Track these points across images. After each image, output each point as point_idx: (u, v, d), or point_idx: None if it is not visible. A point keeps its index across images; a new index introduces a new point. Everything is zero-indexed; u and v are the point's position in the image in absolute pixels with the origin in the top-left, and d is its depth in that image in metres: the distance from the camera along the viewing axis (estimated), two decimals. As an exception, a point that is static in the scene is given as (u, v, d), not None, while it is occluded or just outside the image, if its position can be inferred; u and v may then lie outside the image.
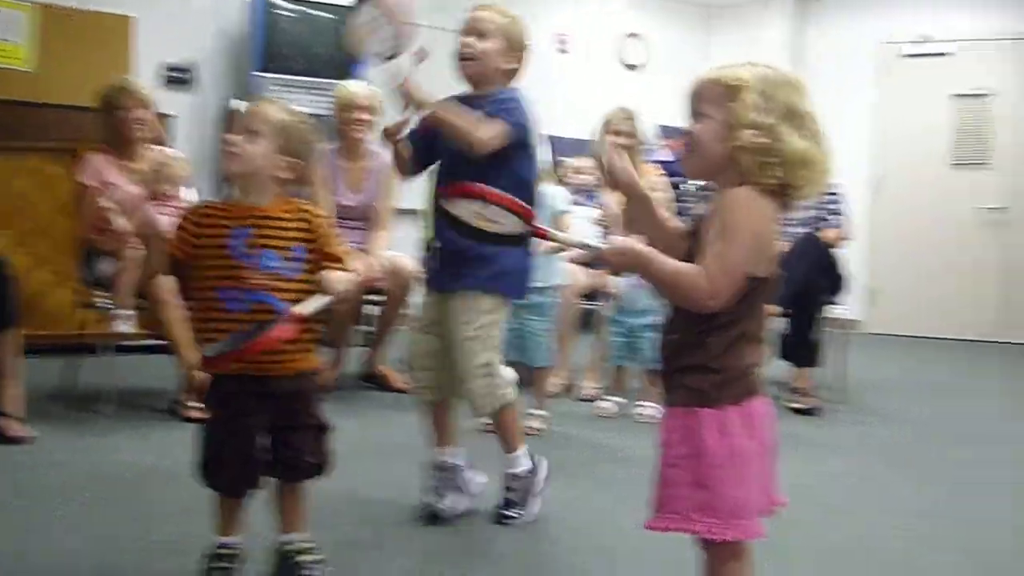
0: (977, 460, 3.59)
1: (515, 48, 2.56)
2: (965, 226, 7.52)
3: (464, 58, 2.53)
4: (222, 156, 2.05)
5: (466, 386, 2.53)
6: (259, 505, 2.10)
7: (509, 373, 2.62)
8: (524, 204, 1.70)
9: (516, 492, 2.61)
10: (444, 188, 1.79)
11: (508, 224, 1.72)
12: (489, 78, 2.55)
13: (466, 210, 1.75)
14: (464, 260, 2.47)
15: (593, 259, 1.62)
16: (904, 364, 6.37)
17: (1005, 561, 2.48)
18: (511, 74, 2.59)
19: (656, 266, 1.57)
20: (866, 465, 3.44)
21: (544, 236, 1.70)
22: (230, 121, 4.42)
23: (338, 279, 1.98)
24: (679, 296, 1.59)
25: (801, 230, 4.70)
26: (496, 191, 1.74)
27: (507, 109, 2.47)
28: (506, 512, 2.59)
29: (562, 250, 3.68)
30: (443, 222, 2.56)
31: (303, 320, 1.94)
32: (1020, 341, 7.23)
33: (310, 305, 1.95)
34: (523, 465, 2.63)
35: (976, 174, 7.50)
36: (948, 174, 7.57)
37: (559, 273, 3.77)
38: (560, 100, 6.95)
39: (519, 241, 1.72)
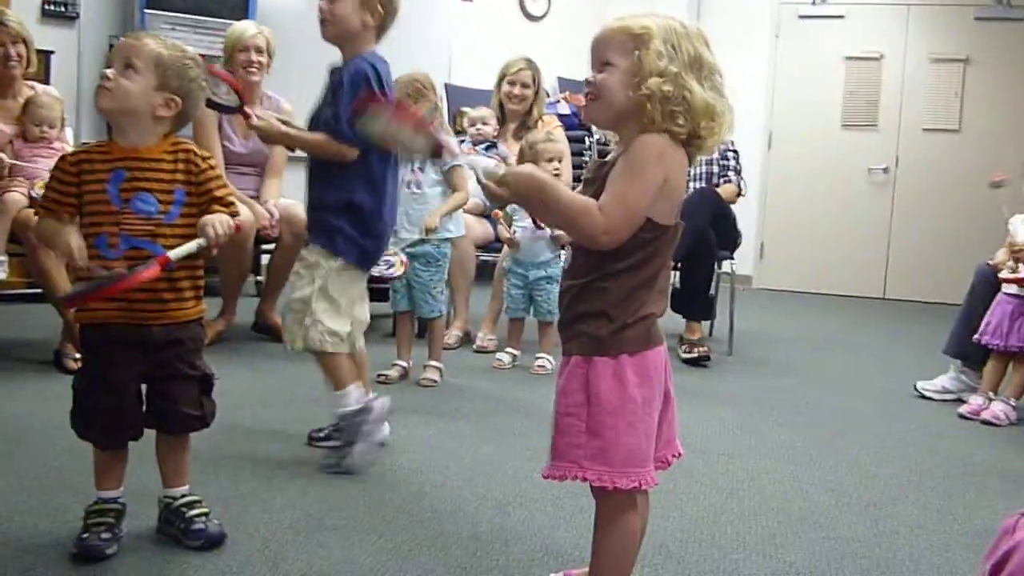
0: (856, 409, 3.73)
1: (369, 1, 2.55)
2: (854, 186, 7.77)
3: (321, 23, 2.57)
4: (97, 93, 1.94)
5: (284, 317, 2.66)
6: (143, 457, 2.04)
7: (342, 327, 2.60)
8: (427, 124, 1.69)
9: (343, 433, 2.59)
10: (356, 104, 1.76)
11: (415, 145, 1.71)
12: (350, 37, 2.57)
13: (376, 126, 1.72)
14: (311, 220, 2.66)
15: (493, 183, 1.62)
16: (791, 319, 6.57)
17: (874, 501, 2.59)
18: (374, 28, 2.59)
19: (554, 193, 1.57)
20: (752, 414, 3.54)
21: (452, 153, 1.70)
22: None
23: (212, 222, 1.89)
24: (573, 227, 1.59)
25: (699, 184, 4.78)
26: (409, 109, 1.74)
27: (344, 102, 2.47)
28: (330, 458, 2.58)
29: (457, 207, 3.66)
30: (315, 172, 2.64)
31: (168, 263, 1.85)
32: (903, 298, 7.54)
33: (180, 250, 1.87)
34: (350, 404, 2.61)
35: (865, 135, 7.73)
36: (839, 135, 7.79)
37: (452, 224, 3.74)
38: (461, 49, 6.87)
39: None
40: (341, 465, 2.54)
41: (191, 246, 1.88)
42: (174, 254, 1.86)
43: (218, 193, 1.97)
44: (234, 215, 1.98)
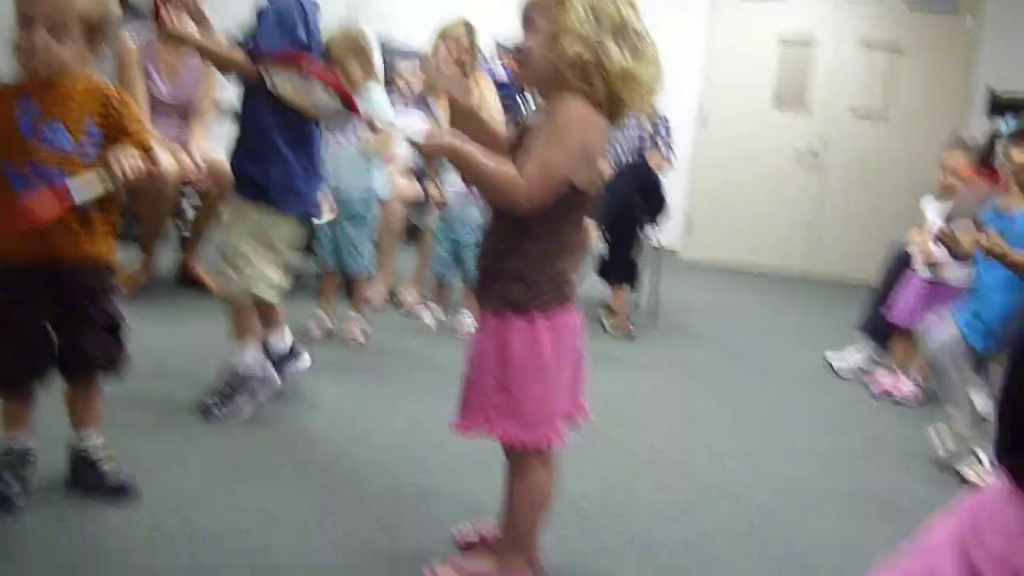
0: (774, 384, 3.82)
1: None
2: (782, 165, 7.89)
3: None
4: (21, 56, 1.82)
5: (216, 263, 2.68)
6: (54, 404, 1.99)
7: (279, 276, 2.62)
8: (344, 87, 1.67)
9: (227, 386, 2.60)
10: (269, 54, 1.71)
11: (325, 106, 1.69)
12: None
13: (283, 81, 1.69)
14: (235, 171, 2.62)
15: (412, 149, 1.62)
16: (717, 293, 6.66)
17: (787, 473, 2.66)
18: None
19: (473, 160, 1.57)
20: (671, 383, 3.60)
21: (368, 121, 1.68)
22: None
23: (116, 155, 1.81)
24: (494, 194, 1.59)
25: (627, 153, 4.80)
26: (319, 67, 1.70)
27: (262, 35, 2.38)
28: (208, 403, 2.58)
29: (379, 150, 3.60)
30: (246, 108, 2.55)
31: (69, 193, 1.78)
32: (827, 276, 7.71)
33: (82, 184, 1.80)
34: (245, 364, 2.62)
35: (796, 117, 7.86)
36: (770, 115, 7.90)
37: (380, 183, 3.70)
38: (399, 7, 6.77)
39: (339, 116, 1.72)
40: (217, 414, 2.55)
41: (94, 182, 1.81)
42: (76, 190, 1.79)
43: (133, 129, 1.88)
44: (149, 153, 1.89)
